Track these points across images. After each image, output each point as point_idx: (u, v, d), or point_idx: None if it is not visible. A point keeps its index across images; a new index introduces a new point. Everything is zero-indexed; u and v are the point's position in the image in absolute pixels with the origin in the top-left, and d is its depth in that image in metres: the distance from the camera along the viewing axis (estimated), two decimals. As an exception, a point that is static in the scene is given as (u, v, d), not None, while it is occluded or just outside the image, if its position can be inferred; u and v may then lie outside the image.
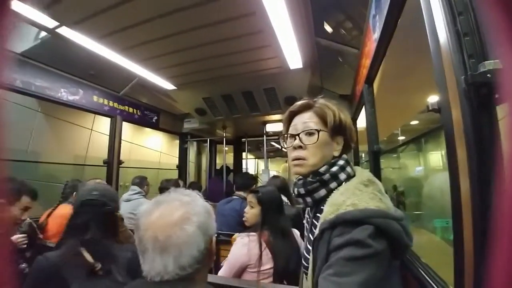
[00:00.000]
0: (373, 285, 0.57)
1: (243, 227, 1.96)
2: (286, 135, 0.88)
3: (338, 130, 0.82)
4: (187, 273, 0.65)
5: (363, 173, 0.78)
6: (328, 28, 2.57)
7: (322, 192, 0.77)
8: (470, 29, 0.63)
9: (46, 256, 1.03)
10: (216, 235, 0.77)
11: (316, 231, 0.69)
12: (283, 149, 0.92)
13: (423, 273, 0.98)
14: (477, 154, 0.59)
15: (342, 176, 0.78)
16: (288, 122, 0.90)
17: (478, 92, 0.58)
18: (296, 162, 0.82)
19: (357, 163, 3.21)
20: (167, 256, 0.64)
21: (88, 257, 1.04)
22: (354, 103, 2.81)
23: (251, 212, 1.58)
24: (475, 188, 0.59)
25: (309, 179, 0.80)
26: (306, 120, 0.83)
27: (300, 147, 0.81)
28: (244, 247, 1.44)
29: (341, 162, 0.80)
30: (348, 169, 0.80)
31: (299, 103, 0.87)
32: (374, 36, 1.59)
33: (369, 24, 1.77)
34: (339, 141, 0.84)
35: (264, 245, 1.42)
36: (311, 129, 0.81)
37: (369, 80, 1.95)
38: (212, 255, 0.74)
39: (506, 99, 0.21)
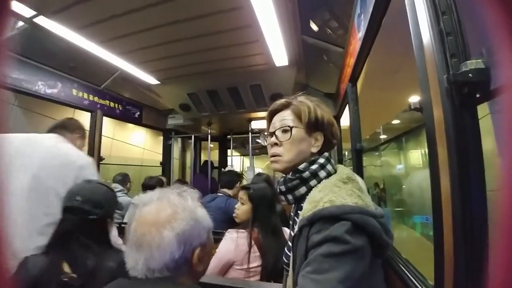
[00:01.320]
0: (352, 281, 0.57)
1: (228, 224, 1.94)
2: (266, 133, 0.91)
3: (314, 126, 0.83)
4: (156, 277, 0.63)
5: (343, 170, 0.79)
6: (314, 27, 2.58)
7: (302, 189, 0.79)
8: (453, 28, 0.64)
9: (27, 264, 0.96)
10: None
11: (296, 229, 0.70)
12: (263, 142, 0.95)
13: (403, 268, 1.00)
14: (457, 153, 0.60)
15: (322, 174, 0.79)
16: (269, 120, 0.92)
17: (459, 91, 0.58)
18: (272, 158, 0.84)
19: (340, 160, 3.26)
20: (139, 254, 0.63)
21: (67, 268, 0.96)
22: (339, 101, 2.84)
23: (242, 209, 1.57)
24: (455, 186, 0.61)
25: (289, 176, 0.81)
26: (283, 118, 0.85)
27: (276, 144, 0.83)
28: (232, 243, 1.43)
29: (321, 160, 0.81)
30: (329, 167, 0.81)
31: (278, 102, 0.89)
32: (359, 35, 1.60)
33: (354, 23, 1.79)
34: (318, 137, 0.85)
35: (252, 242, 1.42)
36: (285, 126, 0.83)
37: (353, 79, 1.98)
38: (196, 266, 0.69)
39: (503, 94, 0.21)
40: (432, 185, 0.70)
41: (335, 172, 0.81)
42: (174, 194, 0.72)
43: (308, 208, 0.68)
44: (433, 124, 0.67)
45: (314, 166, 0.79)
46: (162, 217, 0.66)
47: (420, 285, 0.85)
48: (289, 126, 0.82)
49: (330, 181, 0.74)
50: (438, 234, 0.67)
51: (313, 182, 0.77)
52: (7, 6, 0.22)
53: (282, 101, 0.88)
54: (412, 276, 0.91)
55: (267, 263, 1.40)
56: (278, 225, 1.54)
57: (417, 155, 3.15)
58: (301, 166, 0.80)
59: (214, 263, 1.43)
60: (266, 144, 0.90)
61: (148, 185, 2.84)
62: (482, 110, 0.63)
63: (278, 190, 0.86)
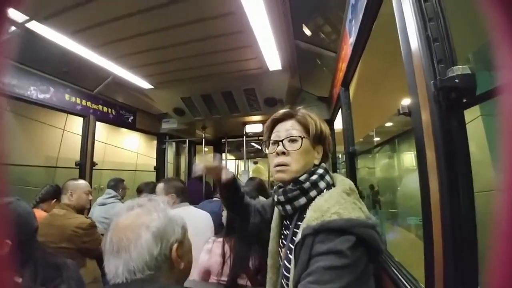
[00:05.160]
0: None
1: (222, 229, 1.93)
2: (268, 141, 0.90)
3: (318, 139, 0.85)
4: (138, 278, 0.64)
5: (344, 181, 0.80)
6: (307, 31, 2.60)
7: (302, 200, 0.79)
8: (439, 34, 0.66)
9: None
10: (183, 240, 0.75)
11: (298, 238, 0.70)
12: (265, 150, 0.93)
13: (395, 271, 1.01)
14: (445, 156, 0.61)
15: (322, 184, 0.79)
16: (270, 129, 0.91)
17: (447, 96, 0.60)
18: (279, 168, 0.83)
19: (334, 164, 3.28)
20: (118, 258, 0.65)
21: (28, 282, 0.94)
22: (332, 105, 2.87)
23: (224, 215, 1.55)
24: (444, 188, 0.62)
25: (289, 187, 0.81)
26: (289, 128, 0.85)
27: (283, 153, 0.83)
28: (206, 253, 1.40)
29: (320, 171, 0.82)
30: (327, 177, 0.82)
31: (282, 111, 0.90)
32: (350, 40, 1.62)
33: (345, 29, 1.81)
34: (319, 150, 0.87)
35: (229, 253, 1.35)
36: (294, 136, 0.83)
37: (346, 83, 2.00)
38: (176, 263, 0.70)
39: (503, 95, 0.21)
40: (421, 187, 0.71)
41: (333, 182, 0.82)
42: (144, 200, 0.75)
43: (314, 216, 0.68)
44: (421, 128, 0.69)
45: (314, 177, 0.80)
46: (137, 220, 0.69)
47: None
48: (299, 136, 0.82)
49: (335, 192, 0.74)
50: (428, 235, 0.68)
51: (313, 193, 0.78)
52: (4, 13, 0.22)
53: (285, 111, 0.89)
54: (404, 279, 0.92)
55: (233, 273, 1.31)
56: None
57: (410, 157, 3.19)
58: (302, 177, 0.80)
59: (195, 271, 1.41)
60: (268, 152, 0.89)
61: (142, 191, 2.82)
62: (470, 114, 0.64)
63: (276, 200, 0.86)
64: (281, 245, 0.89)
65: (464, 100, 0.59)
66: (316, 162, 0.85)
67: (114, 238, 0.66)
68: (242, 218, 1.12)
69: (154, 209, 0.72)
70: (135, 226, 0.67)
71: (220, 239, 1.42)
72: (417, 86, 0.70)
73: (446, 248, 0.62)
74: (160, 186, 1.96)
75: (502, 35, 0.21)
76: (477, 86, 0.57)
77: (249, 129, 4.03)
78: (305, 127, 0.84)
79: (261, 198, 1.14)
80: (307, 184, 0.79)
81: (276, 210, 0.94)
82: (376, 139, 3.53)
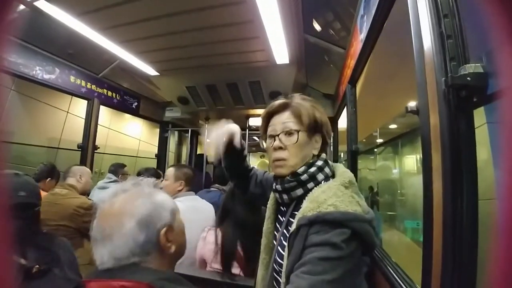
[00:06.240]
0: (340, 283, 0.60)
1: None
2: (264, 136, 0.89)
3: (314, 128, 0.83)
4: (124, 263, 0.64)
5: (344, 173, 0.78)
6: (317, 26, 2.56)
7: (299, 191, 0.78)
8: (453, 32, 0.63)
9: None
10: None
11: (293, 227, 0.69)
12: (262, 144, 0.92)
13: (391, 271, 1.00)
14: (451, 156, 0.60)
15: (320, 176, 0.79)
16: (266, 122, 0.89)
17: (457, 94, 0.58)
18: (277, 163, 0.81)
19: (335, 162, 3.26)
20: (104, 246, 0.65)
21: (22, 260, 0.92)
22: (337, 102, 2.84)
23: None
24: (447, 190, 0.60)
25: (287, 177, 0.80)
26: (284, 120, 0.83)
27: (281, 147, 0.81)
28: (201, 241, 1.41)
29: (319, 163, 0.81)
30: (327, 169, 0.81)
31: (276, 102, 0.87)
32: (361, 36, 1.60)
33: (356, 25, 1.78)
34: (317, 139, 0.85)
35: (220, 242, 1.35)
36: (290, 130, 0.81)
37: (353, 81, 1.97)
38: (165, 247, 0.69)
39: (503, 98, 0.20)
40: (424, 189, 0.70)
41: (333, 174, 0.81)
42: (128, 185, 0.74)
43: (310, 206, 0.68)
44: (428, 126, 0.67)
45: (312, 169, 0.79)
46: (120, 208, 0.67)
47: (407, 288, 0.85)
48: (295, 130, 0.80)
49: (333, 184, 0.73)
50: (428, 238, 0.67)
51: (310, 185, 0.77)
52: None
53: (280, 102, 0.86)
54: (400, 279, 0.91)
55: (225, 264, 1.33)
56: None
57: (411, 160, 3.16)
58: (300, 170, 0.79)
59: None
60: (265, 147, 0.87)
61: (142, 175, 2.82)
62: (477, 120, 0.63)
63: (274, 188, 0.85)
64: (276, 229, 0.89)
65: (475, 99, 0.58)
66: (315, 152, 0.83)
67: (99, 226, 0.67)
68: (242, 183, 1.10)
69: (138, 195, 0.70)
70: (118, 214, 0.67)
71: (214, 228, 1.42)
72: (427, 83, 0.68)
73: (445, 252, 0.61)
74: (171, 171, 1.92)
75: (503, 36, 0.20)
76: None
77: (253, 122, 4.01)
78: (300, 118, 0.82)
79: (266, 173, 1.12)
80: (304, 176, 0.78)
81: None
82: (379, 140, 3.51)
